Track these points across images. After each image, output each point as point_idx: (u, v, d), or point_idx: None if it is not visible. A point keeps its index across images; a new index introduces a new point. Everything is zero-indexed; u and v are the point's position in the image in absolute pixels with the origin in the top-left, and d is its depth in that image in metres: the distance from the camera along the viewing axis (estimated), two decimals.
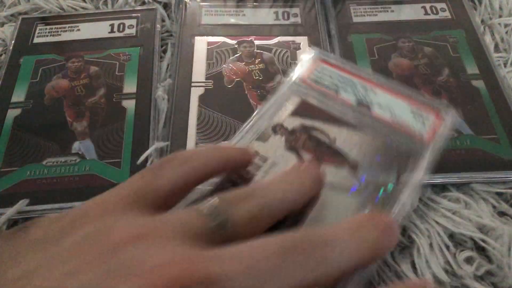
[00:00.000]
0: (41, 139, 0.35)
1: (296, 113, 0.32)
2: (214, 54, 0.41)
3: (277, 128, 0.31)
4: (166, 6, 0.46)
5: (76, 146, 0.35)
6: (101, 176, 0.33)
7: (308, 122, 0.31)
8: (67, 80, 0.39)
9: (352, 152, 0.29)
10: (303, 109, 0.32)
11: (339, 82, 0.33)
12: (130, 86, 0.38)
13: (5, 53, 0.42)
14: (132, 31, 0.43)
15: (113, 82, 0.39)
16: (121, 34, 0.42)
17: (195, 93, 0.38)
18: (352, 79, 0.33)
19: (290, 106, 0.32)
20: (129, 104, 0.37)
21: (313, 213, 0.27)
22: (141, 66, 0.40)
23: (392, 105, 0.31)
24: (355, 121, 0.31)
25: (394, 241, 0.22)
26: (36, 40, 0.42)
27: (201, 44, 0.41)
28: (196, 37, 0.42)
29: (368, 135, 0.30)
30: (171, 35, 0.43)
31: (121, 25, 0.43)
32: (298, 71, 0.34)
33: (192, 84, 0.38)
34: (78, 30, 0.43)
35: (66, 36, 0.43)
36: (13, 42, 0.42)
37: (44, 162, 0.34)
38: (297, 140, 0.31)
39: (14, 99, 0.38)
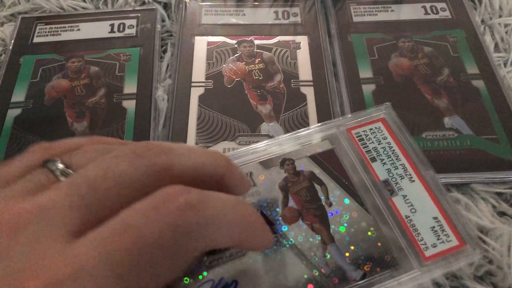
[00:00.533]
0: (41, 140, 0.35)
1: (316, 158, 0.30)
2: (214, 54, 0.41)
3: (286, 163, 0.30)
4: (166, 6, 0.45)
5: None
6: None
7: (320, 175, 0.29)
8: (67, 80, 0.39)
9: (340, 226, 0.27)
10: (326, 159, 0.30)
11: (383, 152, 0.30)
12: (130, 87, 0.38)
13: (5, 52, 0.42)
14: (132, 31, 0.43)
15: (113, 82, 0.39)
16: (121, 34, 0.42)
17: (195, 93, 0.38)
18: (400, 156, 0.30)
19: (316, 149, 0.30)
20: (130, 105, 0.37)
21: (257, 256, 0.26)
22: (141, 66, 0.40)
23: (419, 204, 0.28)
24: (367, 198, 0.28)
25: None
26: (36, 39, 0.42)
27: (201, 44, 0.41)
28: (196, 37, 0.42)
29: (367, 218, 0.27)
30: (171, 35, 0.43)
31: (121, 25, 0.43)
32: (352, 118, 0.32)
33: (192, 84, 0.38)
34: (78, 30, 0.43)
35: (66, 36, 0.42)
36: (12, 41, 0.42)
37: None
38: (295, 184, 0.29)
39: (14, 99, 0.38)
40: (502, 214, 0.31)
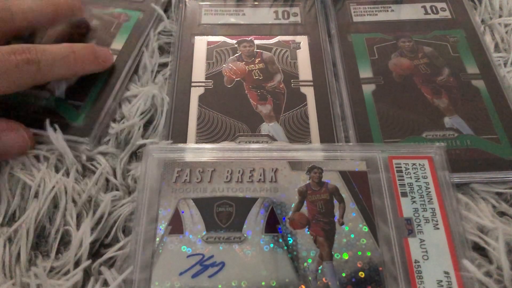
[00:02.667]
0: None
1: (345, 176, 0.29)
2: (214, 54, 0.40)
3: (314, 171, 0.30)
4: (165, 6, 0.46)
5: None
6: (59, 113, 0.35)
7: (344, 193, 0.29)
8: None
9: (344, 247, 0.27)
10: (355, 180, 0.29)
11: (417, 190, 0.29)
12: (117, 44, 0.40)
13: None
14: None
15: (105, 37, 0.41)
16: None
17: (195, 93, 0.38)
18: (434, 199, 0.29)
19: (350, 167, 0.30)
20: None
21: (252, 248, 0.27)
22: (135, 29, 0.41)
23: (434, 253, 0.27)
24: (382, 230, 0.27)
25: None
26: None
27: (201, 44, 0.41)
28: (196, 37, 0.42)
29: (374, 249, 0.27)
30: (171, 35, 0.43)
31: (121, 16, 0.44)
32: (399, 147, 0.31)
33: (192, 84, 0.38)
34: None
35: None
36: None
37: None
38: (315, 193, 0.29)
39: None
40: (502, 214, 0.31)
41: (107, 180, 0.32)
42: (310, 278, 0.26)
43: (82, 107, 0.35)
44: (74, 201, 0.30)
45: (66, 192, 0.30)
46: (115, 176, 0.32)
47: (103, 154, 0.34)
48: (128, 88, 0.38)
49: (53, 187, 0.30)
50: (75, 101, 0.35)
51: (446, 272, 0.26)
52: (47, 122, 0.32)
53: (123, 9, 0.43)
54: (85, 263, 0.28)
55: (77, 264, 0.28)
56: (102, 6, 0.43)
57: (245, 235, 0.27)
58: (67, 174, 0.31)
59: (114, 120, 0.36)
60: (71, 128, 0.34)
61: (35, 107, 0.35)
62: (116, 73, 0.38)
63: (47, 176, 0.31)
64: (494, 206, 0.32)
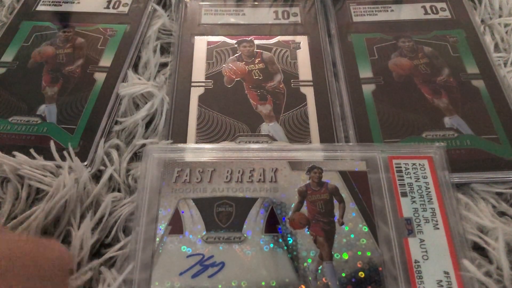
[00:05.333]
0: (14, 98, 0.37)
1: (345, 176, 0.29)
2: (214, 54, 0.40)
3: (314, 170, 0.30)
4: (165, 5, 0.46)
5: (42, 108, 0.36)
6: (53, 139, 0.34)
7: (344, 193, 0.29)
8: (53, 47, 0.41)
9: (344, 247, 0.27)
10: (355, 180, 0.29)
11: (417, 190, 0.29)
12: (106, 60, 0.40)
13: (10, 14, 0.45)
14: (125, 9, 0.45)
15: (92, 55, 0.40)
16: (114, 11, 0.44)
17: (195, 93, 0.38)
18: (434, 199, 0.28)
19: (350, 167, 0.30)
20: (100, 77, 0.38)
21: (252, 248, 0.27)
22: (122, 43, 0.41)
23: (434, 253, 0.26)
24: (382, 230, 0.27)
25: None
26: (39, 7, 0.45)
27: (201, 44, 0.41)
28: (196, 37, 0.42)
29: (374, 249, 0.27)
30: (171, 35, 0.43)
31: (117, 3, 0.45)
32: (399, 147, 0.31)
33: (192, 84, 0.38)
34: (78, 3, 0.46)
35: (66, 7, 0.45)
36: (19, 6, 0.45)
37: (10, 119, 0.35)
38: (315, 193, 0.29)
39: (3, 58, 0.40)
40: (502, 214, 0.31)
41: (109, 180, 0.32)
42: (310, 278, 0.26)
43: (76, 130, 0.35)
44: (81, 202, 0.30)
45: (77, 197, 0.30)
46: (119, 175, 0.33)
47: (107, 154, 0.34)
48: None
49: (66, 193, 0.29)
50: (68, 125, 0.35)
51: (446, 272, 0.26)
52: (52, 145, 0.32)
53: (108, 23, 0.43)
54: (87, 265, 0.27)
55: (77, 264, 0.28)
56: (85, 23, 0.43)
57: (245, 235, 0.27)
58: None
59: (116, 122, 0.36)
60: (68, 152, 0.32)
61: (27, 135, 0.34)
62: (107, 90, 0.37)
63: (62, 183, 0.30)
64: (494, 206, 0.31)
